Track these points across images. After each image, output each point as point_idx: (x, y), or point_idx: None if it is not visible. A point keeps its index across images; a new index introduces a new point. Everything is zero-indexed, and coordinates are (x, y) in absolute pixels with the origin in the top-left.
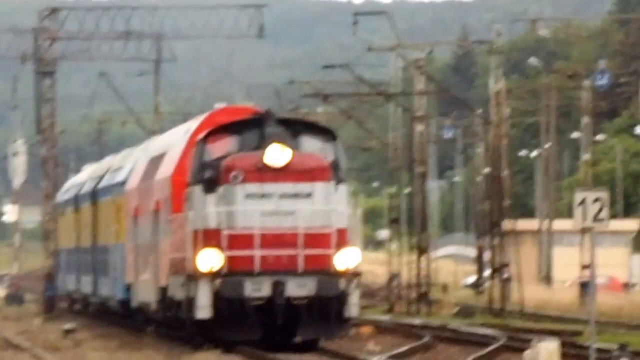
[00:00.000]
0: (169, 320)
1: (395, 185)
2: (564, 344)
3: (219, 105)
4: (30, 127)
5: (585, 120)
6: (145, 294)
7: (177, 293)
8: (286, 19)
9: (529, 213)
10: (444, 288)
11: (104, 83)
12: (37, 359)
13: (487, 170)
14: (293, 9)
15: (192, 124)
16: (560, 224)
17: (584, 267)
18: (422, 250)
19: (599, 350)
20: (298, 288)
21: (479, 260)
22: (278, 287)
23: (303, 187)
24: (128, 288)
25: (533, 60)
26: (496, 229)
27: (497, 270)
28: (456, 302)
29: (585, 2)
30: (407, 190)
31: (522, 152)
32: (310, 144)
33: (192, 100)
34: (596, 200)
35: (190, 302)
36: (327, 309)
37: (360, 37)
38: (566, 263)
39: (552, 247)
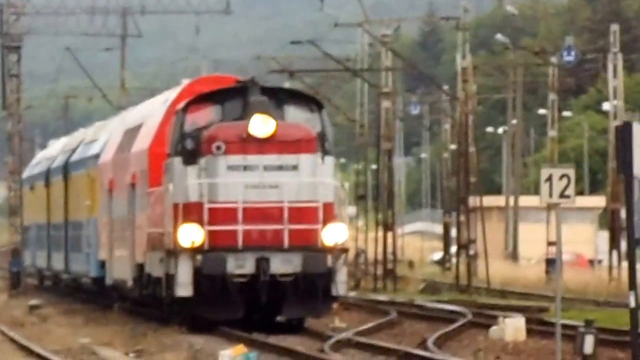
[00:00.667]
0: (146, 298)
1: (361, 161)
2: (529, 321)
3: (186, 81)
4: None
5: (552, 97)
6: (121, 271)
7: (156, 269)
8: None
9: (495, 189)
10: (411, 264)
11: (69, 58)
12: (1, 334)
13: (453, 146)
14: None
15: (171, 94)
16: (526, 201)
17: (550, 243)
18: (388, 226)
19: (565, 326)
20: (283, 265)
21: (445, 236)
22: (262, 263)
23: (288, 159)
24: (102, 265)
25: (500, 37)
26: (462, 205)
27: (463, 246)
28: (422, 278)
29: None
30: (373, 166)
31: (489, 129)
32: (296, 114)
33: (158, 76)
34: (562, 176)
35: (170, 279)
36: (314, 287)
37: (327, 13)
38: (532, 239)
39: (519, 224)
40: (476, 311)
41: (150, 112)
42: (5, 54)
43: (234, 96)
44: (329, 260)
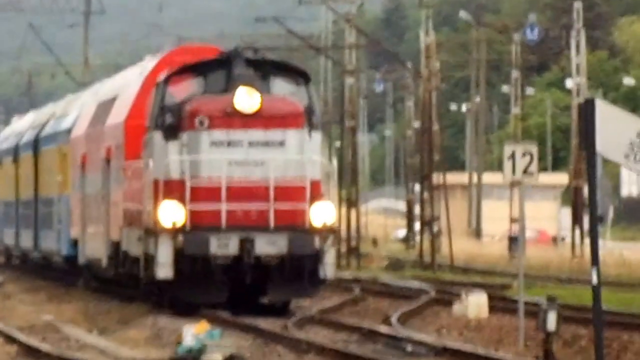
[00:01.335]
0: (122, 277)
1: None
2: (492, 298)
3: (149, 58)
4: None
5: (515, 74)
6: (95, 249)
7: (133, 248)
8: None
9: (459, 167)
10: (374, 241)
11: (33, 35)
12: None
13: (417, 123)
14: None
15: (147, 65)
16: (489, 178)
17: (513, 220)
18: (352, 203)
19: (527, 303)
20: (268, 246)
21: (408, 214)
22: (246, 244)
23: (275, 134)
24: (74, 243)
25: (463, 14)
26: (426, 182)
27: (426, 223)
28: (386, 255)
29: None
30: (337, 143)
31: (453, 106)
32: (282, 87)
33: (121, 53)
34: (525, 154)
35: (149, 260)
36: (300, 269)
37: None
38: (495, 217)
39: (482, 201)
40: (439, 288)
41: (125, 84)
42: None
43: (217, 68)
44: (317, 241)
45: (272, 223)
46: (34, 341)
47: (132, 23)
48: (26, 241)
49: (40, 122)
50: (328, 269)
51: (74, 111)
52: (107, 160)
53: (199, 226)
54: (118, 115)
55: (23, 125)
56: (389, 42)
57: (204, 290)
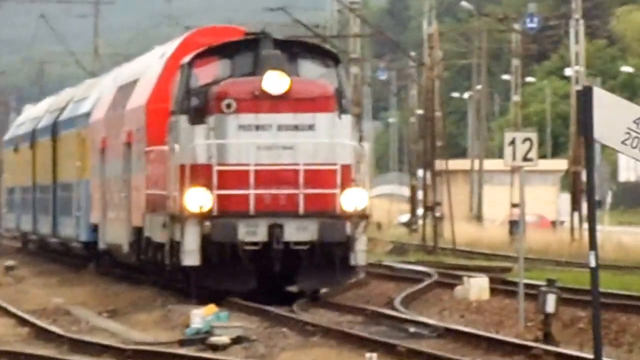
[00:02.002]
0: (145, 264)
1: None
2: (493, 280)
3: (158, 47)
4: None
5: (516, 62)
6: (115, 235)
7: (157, 234)
8: None
9: (461, 153)
10: (379, 226)
11: (44, 25)
12: None
13: (420, 111)
14: None
15: (169, 47)
16: (491, 164)
17: (514, 205)
18: None
19: (527, 286)
20: (298, 232)
21: (412, 199)
22: (275, 230)
23: (304, 117)
24: (94, 228)
25: (465, 4)
26: (429, 168)
27: (429, 208)
28: (390, 240)
29: None
30: None
31: (455, 94)
32: (311, 69)
33: (131, 43)
34: (525, 140)
35: (175, 247)
36: (331, 256)
37: None
38: (496, 202)
39: (483, 187)
40: (442, 271)
41: (146, 68)
42: None
43: (245, 50)
44: (348, 227)
45: (301, 209)
46: (45, 323)
47: (141, 13)
48: (44, 227)
49: (58, 107)
50: (359, 256)
51: (93, 95)
52: (128, 145)
53: (227, 212)
54: (139, 98)
55: (39, 110)
56: (392, 31)
57: (232, 277)
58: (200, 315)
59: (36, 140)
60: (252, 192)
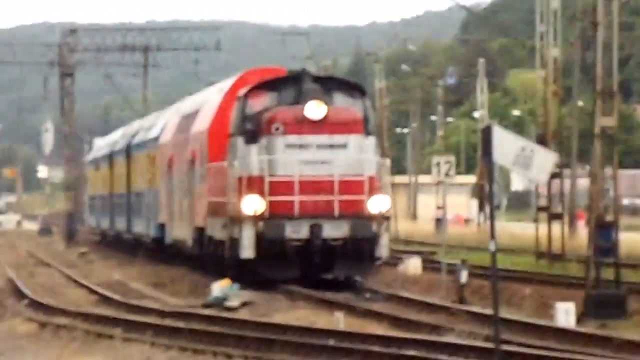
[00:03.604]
0: (205, 256)
1: None
2: (424, 260)
3: (188, 97)
4: (56, 112)
5: (440, 108)
6: (180, 232)
7: (217, 233)
8: (238, 37)
9: (402, 171)
10: None
11: (108, 81)
12: (60, 271)
13: None
14: (243, 30)
15: (225, 84)
16: (423, 179)
17: (438, 207)
18: None
19: (448, 264)
20: (334, 230)
21: None
22: (315, 229)
23: (339, 138)
24: (161, 227)
25: (404, 67)
26: None
27: None
28: None
29: (441, 26)
30: None
31: (398, 129)
32: (343, 99)
33: (170, 94)
34: (447, 162)
35: (234, 243)
36: (361, 249)
37: (288, 50)
38: (426, 205)
39: (417, 195)
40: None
41: (206, 100)
42: (63, 79)
43: (289, 84)
44: (374, 226)
45: (336, 212)
46: (108, 292)
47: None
48: (120, 225)
49: (130, 133)
50: (383, 249)
51: (159, 123)
52: (192, 161)
53: (276, 214)
54: (202, 124)
55: (114, 138)
56: None
57: (280, 268)
58: (219, 287)
59: (113, 159)
60: (296, 198)
